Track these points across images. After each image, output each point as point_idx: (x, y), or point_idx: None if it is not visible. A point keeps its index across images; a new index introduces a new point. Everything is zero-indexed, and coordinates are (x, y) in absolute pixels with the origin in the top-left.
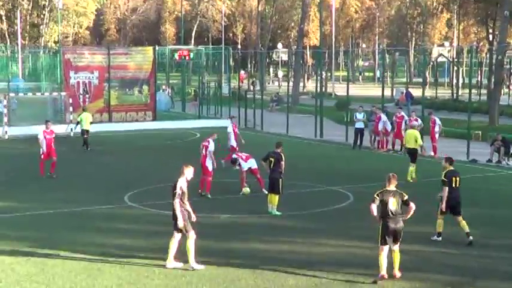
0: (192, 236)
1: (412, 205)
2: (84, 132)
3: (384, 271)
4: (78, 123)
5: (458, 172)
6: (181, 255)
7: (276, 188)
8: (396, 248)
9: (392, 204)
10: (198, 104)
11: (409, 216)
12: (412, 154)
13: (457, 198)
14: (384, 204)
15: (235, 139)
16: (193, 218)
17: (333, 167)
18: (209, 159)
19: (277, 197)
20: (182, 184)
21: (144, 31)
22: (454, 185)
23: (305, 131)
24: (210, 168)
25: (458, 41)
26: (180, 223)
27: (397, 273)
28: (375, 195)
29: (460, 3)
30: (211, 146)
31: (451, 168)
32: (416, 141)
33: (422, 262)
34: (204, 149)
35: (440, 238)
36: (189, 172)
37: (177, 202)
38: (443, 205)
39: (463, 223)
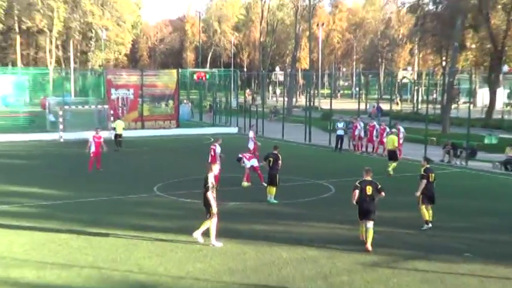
0: (215, 219)
1: (383, 193)
2: (117, 135)
3: (363, 235)
4: (114, 128)
5: (433, 170)
6: (193, 232)
7: (274, 181)
8: (370, 226)
9: (368, 190)
10: (212, 114)
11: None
12: (393, 154)
13: (432, 190)
14: (361, 190)
15: (255, 143)
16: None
17: (318, 165)
18: (217, 160)
19: (274, 188)
20: (211, 178)
21: (170, 57)
22: (430, 180)
23: (297, 136)
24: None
25: (418, 66)
26: (214, 209)
27: (369, 248)
28: (356, 183)
29: (420, 36)
30: (218, 149)
31: (428, 165)
32: (394, 144)
33: (388, 240)
34: (212, 151)
35: (430, 225)
36: (215, 169)
37: (210, 193)
38: (418, 193)
39: (431, 212)
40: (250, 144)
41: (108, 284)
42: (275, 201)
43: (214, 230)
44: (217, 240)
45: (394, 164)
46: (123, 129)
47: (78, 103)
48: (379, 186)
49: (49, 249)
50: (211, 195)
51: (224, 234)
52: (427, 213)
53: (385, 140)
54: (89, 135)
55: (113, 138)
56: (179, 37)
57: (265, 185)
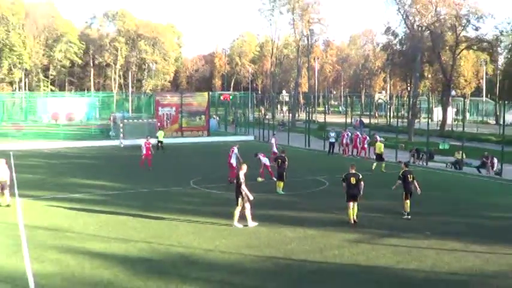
0: (247, 206)
1: (362, 183)
2: (159, 142)
3: (351, 219)
4: (157, 137)
5: (412, 171)
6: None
7: (282, 177)
8: (355, 205)
9: (352, 180)
10: (234, 126)
11: (362, 187)
12: (380, 156)
13: (411, 188)
14: (347, 180)
15: (276, 147)
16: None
17: (316, 165)
18: (235, 159)
19: (282, 183)
20: (242, 175)
21: (203, 83)
22: (409, 180)
23: (299, 143)
24: (234, 164)
25: (390, 90)
26: (251, 197)
27: (355, 219)
28: (343, 176)
29: (390, 68)
30: (236, 150)
31: (407, 169)
32: (381, 149)
33: (369, 222)
34: (231, 152)
35: (409, 216)
36: (244, 168)
37: (243, 186)
38: (394, 187)
39: (409, 204)
40: (274, 148)
41: (155, 254)
42: (282, 192)
43: (249, 214)
44: (252, 221)
45: (383, 164)
46: (163, 137)
47: (134, 117)
48: (360, 176)
49: (112, 228)
50: (245, 188)
51: (244, 217)
52: (409, 205)
53: (375, 146)
54: (141, 141)
55: (157, 144)
56: (209, 68)
57: (275, 180)
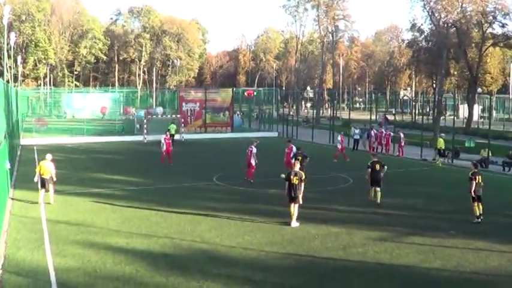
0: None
1: (385, 167)
2: (172, 135)
3: (372, 198)
4: (169, 130)
5: (480, 173)
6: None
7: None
8: (378, 189)
9: (377, 167)
10: (258, 122)
11: (384, 171)
12: (440, 151)
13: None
14: (372, 166)
15: (342, 144)
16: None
17: (340, 162)
18: (253, 158)
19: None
20: (302, 173)
21: (227, 79)
22: (477, 181)
23: (323, 139)
24: (253, 163)
25: (415, 87)
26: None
27: (379, 202)
28: (368, 163)
29: (416, 65)
30: (254, 150)
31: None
32: (441, 144)
33: (393, 221)
34: (249, 152)
35: (479, 220)
36: (297, 166)
37: (301, 184)
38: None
39: (480, 207)
40: (338, 145)
41: (178, 250)
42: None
43: (296, 212)
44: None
45: (441, 160)
46: (175, 131)
47: (158, 113)
48: (383, 163)
49: (134, 223)
50: (302, 187)
51: (267, 214)
52: (477, 209)
53: (437, 141)
54: (162, 137)
55: (183, 140)
56: (234, 64)
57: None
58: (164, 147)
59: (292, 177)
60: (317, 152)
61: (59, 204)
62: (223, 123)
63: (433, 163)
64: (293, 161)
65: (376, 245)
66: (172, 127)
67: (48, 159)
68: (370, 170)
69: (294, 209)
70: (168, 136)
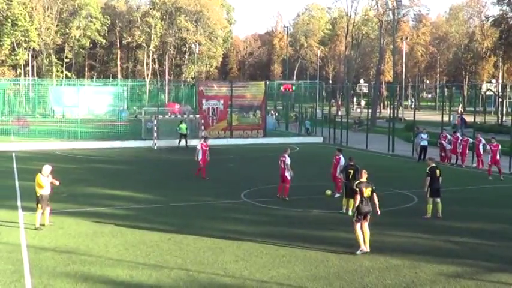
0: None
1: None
2: (182, 135)
3: (428, 214)
4: (179, 129)
5: (440, 167)
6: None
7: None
8: (438, 201)
9: (437, 173)
10: (297, 124)
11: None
12: None
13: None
14: (432, 173)
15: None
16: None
17: (402, 175)
18: (287, 171)
19: (352, 200)
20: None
21: (258, 69)
22: (436, 177)
23: (380, 146)
24: (288, 177)
25: (503, 78)
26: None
27: (441, 215)
28: (427, 171)
29: (504, 50)
30: (288, 160)
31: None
32: None
33: (472, 251)
34: (282, 163)
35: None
36: (363, 176)
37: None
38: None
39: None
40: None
41: (195, 286)
42: (351, 213)
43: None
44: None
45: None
46: (186, 129)
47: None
48: (441, 170)
49: (141, 251)
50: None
51: (308, 240)
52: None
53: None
54: (198, 143)
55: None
56: (267, 51)
57: (338, 195)
58: (200, 156)
59: (364, 188)
60: (373, 163)
61: (44, 227)
62: (253, 125)
63: None
64: (342, 175)
65: (449, 283)
66: (183, 127)
67: (45, 174)
68: (429, 178)
69: (365, 229)
70: (206, 143)
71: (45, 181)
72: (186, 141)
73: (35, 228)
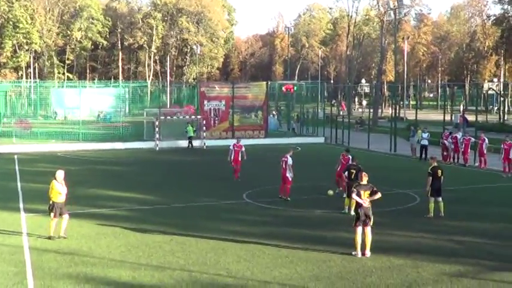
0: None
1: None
2: (190, 137)
3: (430, 213)
4: (187, 131)
5: (441, 167)
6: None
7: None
8: (440, 199)
9: (438, 173)
10: (300, 124)
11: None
12: None
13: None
14: (433, 173)
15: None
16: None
17: (404, 175)
18: (289, 171)
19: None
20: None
21: (259, 70)
22: (438, 176)
23: (382, 146)
24: (290, 178)
25: (504, 77)
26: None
27: (443, 214)
28: (429, 171)
29: (506, 48)
30: (290, 160)
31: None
32: None
33: (474, 251)
34: (283, 163)
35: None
36: (364, 179)
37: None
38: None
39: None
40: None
41: (198, 286)
42: (353, 213)
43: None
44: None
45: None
46: (193, 132)
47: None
48: (442, 170)
49: (143, 252)
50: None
51: (310, 240)
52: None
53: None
54: (231, 143)
55: (205, 147)
56: (269, 51)
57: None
58: (233, 157)
59: (362, 191)
60: (375, 163)
61: (46, 229)
62: (255, 126)
63: None
64: (345, 174)
65: (452, 282)
66: (190, 129)
67: (59, 180)
68: (431, 178)
69: (367, 233)
70: (239, 143)
71: (61, 188)
72: (191, 143)
73: (48, 237)
